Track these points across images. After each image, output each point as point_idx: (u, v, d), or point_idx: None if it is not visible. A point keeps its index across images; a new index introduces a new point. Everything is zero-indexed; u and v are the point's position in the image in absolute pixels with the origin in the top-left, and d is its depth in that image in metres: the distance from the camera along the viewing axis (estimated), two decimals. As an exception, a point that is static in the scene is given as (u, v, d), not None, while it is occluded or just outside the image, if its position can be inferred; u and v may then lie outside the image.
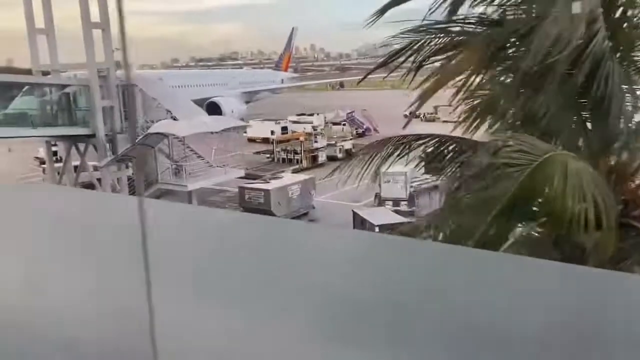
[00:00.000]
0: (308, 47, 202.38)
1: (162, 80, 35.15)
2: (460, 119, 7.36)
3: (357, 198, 32.17)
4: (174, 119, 30.93)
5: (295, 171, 36.78)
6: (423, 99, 6.77)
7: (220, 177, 29.01)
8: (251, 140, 48.51)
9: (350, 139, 44.69)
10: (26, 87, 31.56)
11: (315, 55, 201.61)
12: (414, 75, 7.23)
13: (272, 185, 27.75)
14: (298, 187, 28.36)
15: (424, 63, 6.97)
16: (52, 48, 31.60)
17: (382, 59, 8.04)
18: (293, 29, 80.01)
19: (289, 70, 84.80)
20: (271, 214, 26.84)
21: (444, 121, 58.69)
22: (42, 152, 42.51)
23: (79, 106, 31.85)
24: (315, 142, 41.09)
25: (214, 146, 32.67)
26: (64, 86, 30.59)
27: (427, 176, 33.06)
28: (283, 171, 36.38)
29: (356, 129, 51.60)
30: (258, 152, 42.66)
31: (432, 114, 63.43)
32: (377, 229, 21.45)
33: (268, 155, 42.65)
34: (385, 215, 23.21)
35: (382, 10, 6.83)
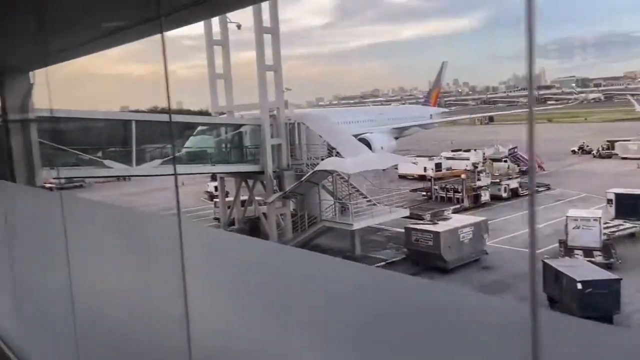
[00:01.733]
0: (451, 82, 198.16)
1: (327, 118, 35.74)
2: None
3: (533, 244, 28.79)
4: (332, 155, 31.06)
5: (455, 211, 34.51)
6: None
7: (385, 216, 27.98)
8: (402, 176, 47.26)
9: (517, 177, 41.03)
10: (199, 126, 34.24)
11: (460, 90, 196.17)
12: None
13: (442, 227, 25.87)
14: (470, 229, 26.10)
15: None
16: (229, 91, 34.11)
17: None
18: (443, 63, 78.26)
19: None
20: (441, 258, 25.00)
21: (624, 158, 51.96)
22: (210, 187, 46.01)
23: (248, 144, 33.55)
24: (478, 179, 38.34)
25: (366, 183, 32.05)
26: (239, 126, 32.41)
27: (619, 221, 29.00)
28: (443, 211, 34.37)
29: (518, 165, 47.54)
30: (414, 190, 41.04)
31: (607, 149, 56.39)
32: (579, 286, 18.38)
33: (424, 193, 40.83)
34: (587, 270, 19.85)
35: None
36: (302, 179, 28.28)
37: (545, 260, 21.07)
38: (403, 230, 27.61)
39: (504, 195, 38.41)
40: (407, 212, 29.03)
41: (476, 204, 37.30)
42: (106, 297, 2.91)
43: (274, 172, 31.26)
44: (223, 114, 34.61)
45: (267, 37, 30.79)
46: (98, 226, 3.03)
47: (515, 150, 48.78)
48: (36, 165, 9.12)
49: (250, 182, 33.25)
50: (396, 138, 63.18)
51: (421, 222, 28.72)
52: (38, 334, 3.89)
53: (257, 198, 33.62)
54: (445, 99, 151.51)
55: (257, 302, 1.99)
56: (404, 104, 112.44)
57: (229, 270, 2.17)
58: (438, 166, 47.59)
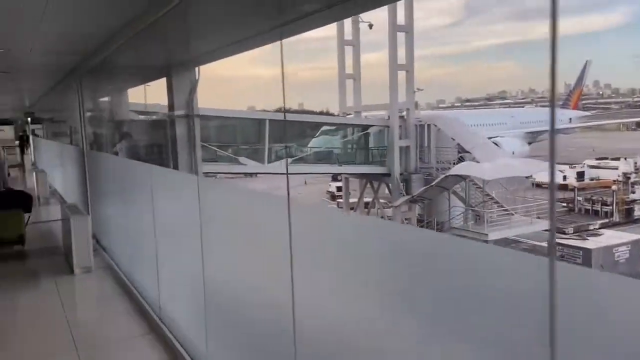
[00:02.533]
0: (590, 84, 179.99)
1: (460, 120, 33.95)
2: None
3: None
4: (462, 160, 29.41)
5: (604, 226, 30.80)
6: None
7: (524, 227, 25.61)
8: (538, 185, 43.44)
9: (679, 191, 35.62)
10: (323, 126, 34.35)
11: (600, 92, 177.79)
12: None
13: (593, 243, 23.02)
14: (627, 248, 22.90)
15: None
16: (357, 91, 33.84)
17: None
18: (586, 62, 70.94)
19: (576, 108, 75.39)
20: (592, 279, 22.21)
21: None
22: (332, 187, 46.31)
23: (374, 145, 32.98)
24: (632, 192, 33.87)
25: (497, 190, 29.68)
26: (367, 127, 32.01)
27: None
28: (589, 225, 30.92)
29: (681, 178, 41.25)
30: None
31: None
32: None
33: (565, 205, 37.06)
34: None
35: None
36: (432, 183, 26.99)
37: None
38: (544, 244, 25.06)
39: (663, 212, 33.58)
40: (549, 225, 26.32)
41: (628, 219, 32.96)
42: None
43: (400, 174, 30.34)
44: (347, 114, 34.47)
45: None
46: (329, 237, 2.45)
47: (678, 161, 42.43)
48: (198, 159, 9.27)
49: (375, 184, 32.70)
50: (529, 143, 58.54)
51: (565, 236, 25.92)
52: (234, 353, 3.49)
53: (381, 200, 32.97)
54: (584, 102, 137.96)
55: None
56: (535, 106, 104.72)
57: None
58: (580, 175, 43.07)
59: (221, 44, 8.41)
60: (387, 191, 33.67)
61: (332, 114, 40.84)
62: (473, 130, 33.83)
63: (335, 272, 2.40)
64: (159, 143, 13.08)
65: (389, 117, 31.05)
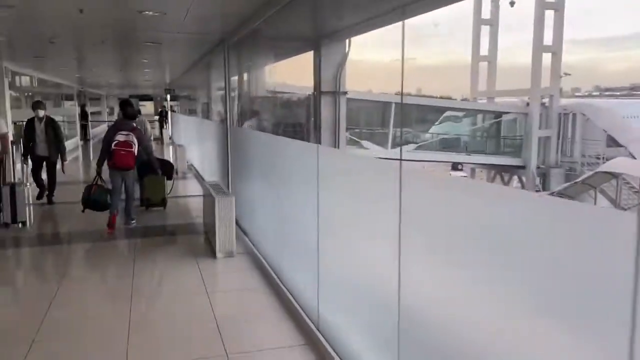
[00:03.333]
0: None
1: (614, 110, 29.91)
2: None
3: None
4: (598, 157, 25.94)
5: None
6: None
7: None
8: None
9: None
10: (446, 112, 32.17)
11: None
12: None
13: None
14: None
15: None
16: (492, 75, 31.25)
17: None
18: None
19: None
20: None
21: None
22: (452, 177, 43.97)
23: (507, 134, 30.37)
24: None
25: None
26: (499, 114, 29.49)
27: None
28: None
29: None
30: None
31: None
32: None
33: None
34: None
35: None
36: (578, 180, 24.00)
37: None
38: None
39: None
40: None
41: None
42: None
43: (537, 168, 27.56)
44: (476, 99, 32.08)
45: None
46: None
47: None
48: (342, 142, 8.45)
49: (506, 176, 30.15)
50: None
51: None
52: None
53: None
54: None
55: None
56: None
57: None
58: None
59: (369, 16, 7.46)
60: (516, 184, 30.92)
61: (454, 99, 38.33)
62: (631, 122, 29.60)
63: None
64: (294, 122, 12.58)
65: (527, 103, 28.21)
